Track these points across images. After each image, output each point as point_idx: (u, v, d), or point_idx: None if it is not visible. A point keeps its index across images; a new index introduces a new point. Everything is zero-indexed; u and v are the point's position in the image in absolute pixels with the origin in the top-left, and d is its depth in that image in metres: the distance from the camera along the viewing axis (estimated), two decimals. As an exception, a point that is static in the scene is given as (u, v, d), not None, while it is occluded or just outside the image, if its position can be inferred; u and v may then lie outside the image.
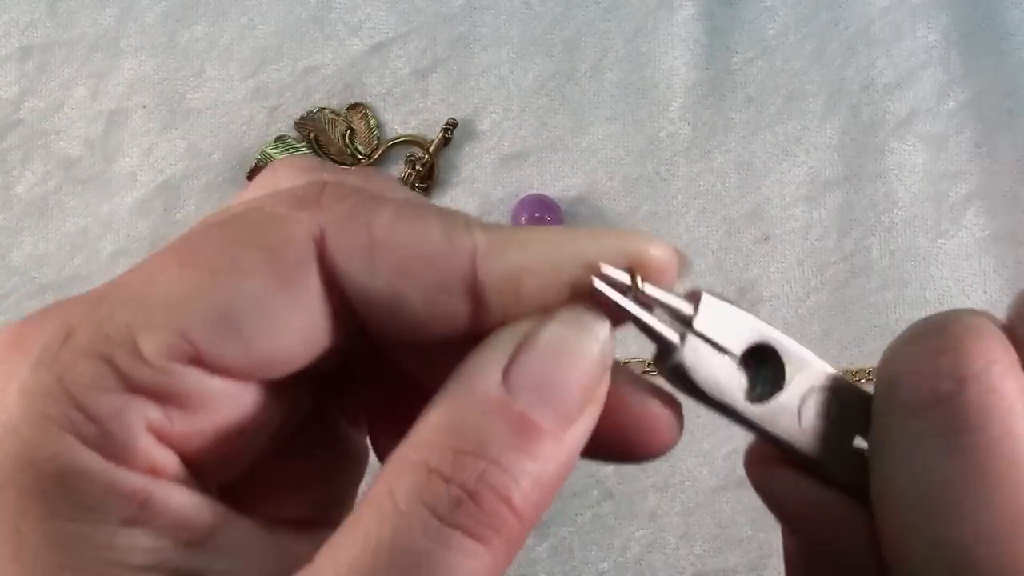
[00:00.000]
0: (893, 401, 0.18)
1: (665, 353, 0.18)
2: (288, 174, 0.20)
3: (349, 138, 0.47)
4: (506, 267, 0.17)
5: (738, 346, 0.19)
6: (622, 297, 0.18)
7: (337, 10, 0.48)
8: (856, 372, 0.45)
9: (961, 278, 0.45)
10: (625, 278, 0.18)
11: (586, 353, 0.17)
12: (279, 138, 0.47)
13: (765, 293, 0.46)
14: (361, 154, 0.47)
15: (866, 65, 0.47)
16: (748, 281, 0.46)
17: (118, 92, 0.47)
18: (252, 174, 0.47)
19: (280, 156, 0.47)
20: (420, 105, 0.47)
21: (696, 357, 0.18)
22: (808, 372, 0.19)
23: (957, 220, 0.46)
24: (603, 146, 0.47)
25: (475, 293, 0.17)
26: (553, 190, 0.46)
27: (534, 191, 0.46)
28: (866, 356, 0.45)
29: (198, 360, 0.16)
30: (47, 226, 0.47)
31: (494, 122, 0.47)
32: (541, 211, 0.45)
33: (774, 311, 0.45)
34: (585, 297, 0.18)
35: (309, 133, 0.47)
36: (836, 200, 0.46)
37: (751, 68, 0.47)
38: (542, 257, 0.18)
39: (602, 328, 0.18)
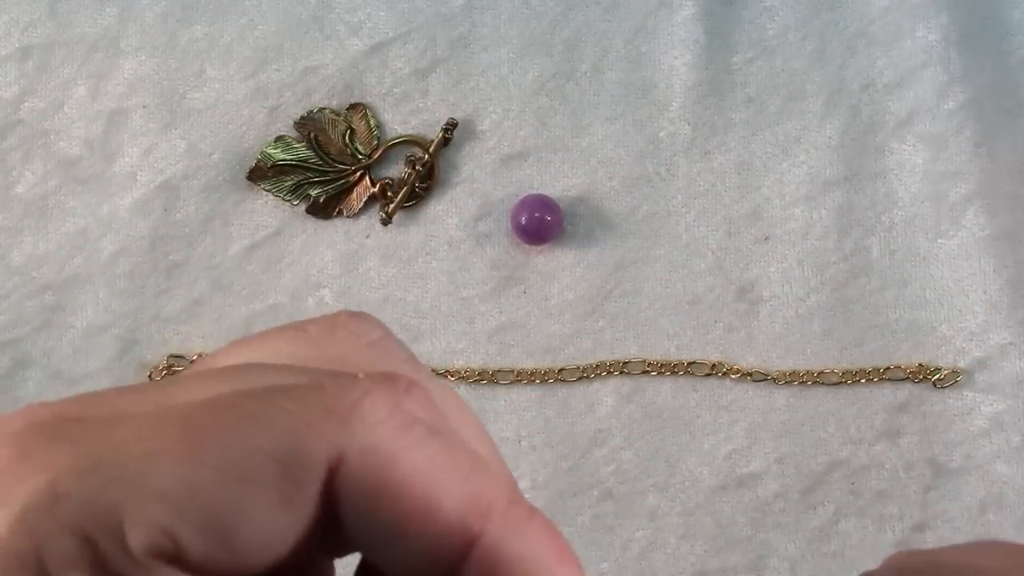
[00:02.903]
0: None
1: None
2: (347, 341, 0.19)
3: (349, 138, 0.47)
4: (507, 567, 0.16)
5: None
6: None
7: (337, 10, 0.48)
8: (856, 372, 0.45)
9: (961, 278, 0.45)
10: None
11: None
12: (279, 138, 0.47)
13: (765, 293, 0.46)
14: (361, 154, 0.47)
15: (866, 65, 0.47)
16: (748, 281, 0.46)
17: (118, 92, 0.47)
18: (252, 174, 0.47)
19: (280, 156, 0.47)
20: (420, 105, 0.47)
21: None
22: None
23: (957, 220, 0.46)
24: (603, 146, 0.47)
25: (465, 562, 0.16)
26: (553, 190, 0.46)
27: (534, 191, 0.46)
28: (866, 356, 0.45)
29: (180, 560, 0.15)
30: (47, 226, 0.47)
31: (494, 122, 0.47)
32: (541, 211, 0.45)
33: (774, 311, 0.45)
34: None
35: (309, 133, 0.47)
36: (836, 200, 0.46)
37: (751, 68, 0.47)
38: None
39: None
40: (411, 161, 0.47)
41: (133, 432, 0.16)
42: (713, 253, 0.46)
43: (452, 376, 0.46)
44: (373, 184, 0.47)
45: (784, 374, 0.45)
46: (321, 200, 0.47)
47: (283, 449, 0.16)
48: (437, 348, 0.46)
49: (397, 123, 0.47)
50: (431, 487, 0.16)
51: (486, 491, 0.17)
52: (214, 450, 0.16)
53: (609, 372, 0.45)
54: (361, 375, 0.17)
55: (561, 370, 0.46)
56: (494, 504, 0.16)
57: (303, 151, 0.47)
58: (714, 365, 0.45)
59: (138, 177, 0.47)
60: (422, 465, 0.16)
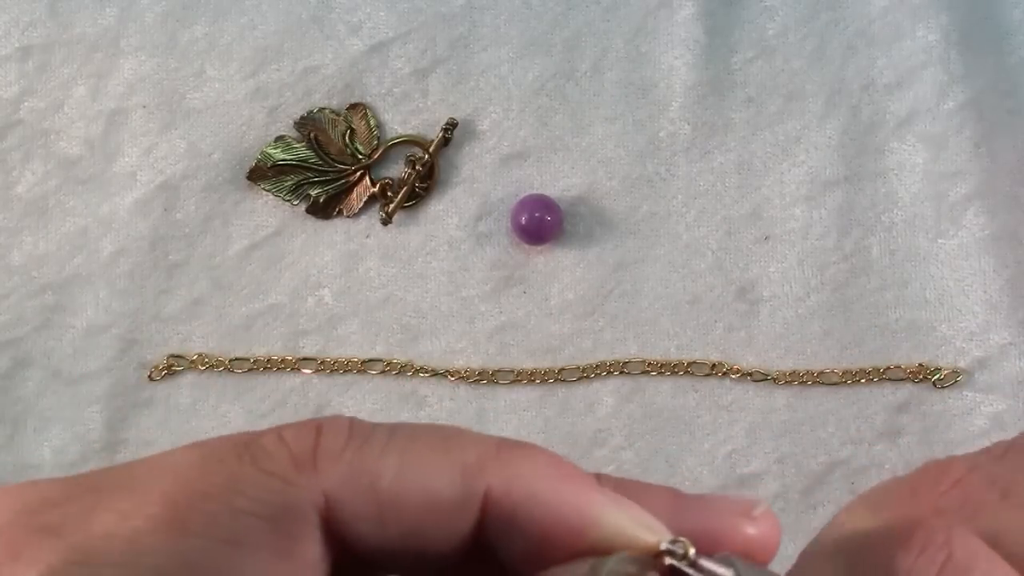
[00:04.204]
0: None
1: None
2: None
3: (349, 138, 0.47)
4: (523, 535, 0.17)
5: None
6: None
7: (337, 10, 0.48)
8: (856, 372, 0.45)
9: (961, 278, 0.45)
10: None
11: None
12: (279, 138, 0.47)
13: (765, 293, 0.46)
14: (361, 154, 0.47)
15: (866, 65, 0.47)
16: (748, 281, 0.46)
17: (118, 92, 0.47)
18: (252, 174, 0.47)
19: (280, 156, 0.47)
20: (420, 105, 0.47)
21: None
22: None
23: (957, 220, 0.46)
24: (603, 146, 0.47)
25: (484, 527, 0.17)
26: (553, 190, 0.46)
27: (534, 191, 0.46)
28: (866, 356, 0.45)
29: None
30: (47, 226, 0.47)
31: (494, 122, 0.47)
32: (541, 211, 0.45)
33: (774, 311, 0.45)
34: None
35: (309, 133, 0.47)
36: (836, 200, 0.46)
37: (751, 68, 0.47)
38: (566, 525, 0.17)
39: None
40: (411, 161, 0.47)
41: (117, 514, 0.16)
42: (713, 253, 0.46)
43: (452, 376, 0.46)
44: (373, 184, 0.47)
45: (784, 374, 0.45)
46: (321, 200, 0.47)
47: (268, 506, 0.16)
48: (437, 348, 0.46)
49: (397, 123, 0.47)
50: (421, 475, 0.17)
51: (470, 452, 0.17)
52: (199, 520, 0.16)
53: (609, 372, 0.45)
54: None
55: (561, 370, 0.45)
56: (483, 457, 0.17)
57: (303, 151, 0.47)
58: (714, 365, 0.45)
59: (138, 177, 0.47)
60: (403, 461, 0.17)
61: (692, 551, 0.17)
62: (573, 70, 0.47)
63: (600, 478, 0.19)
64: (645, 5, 0.48)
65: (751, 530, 0.18)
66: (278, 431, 0.17)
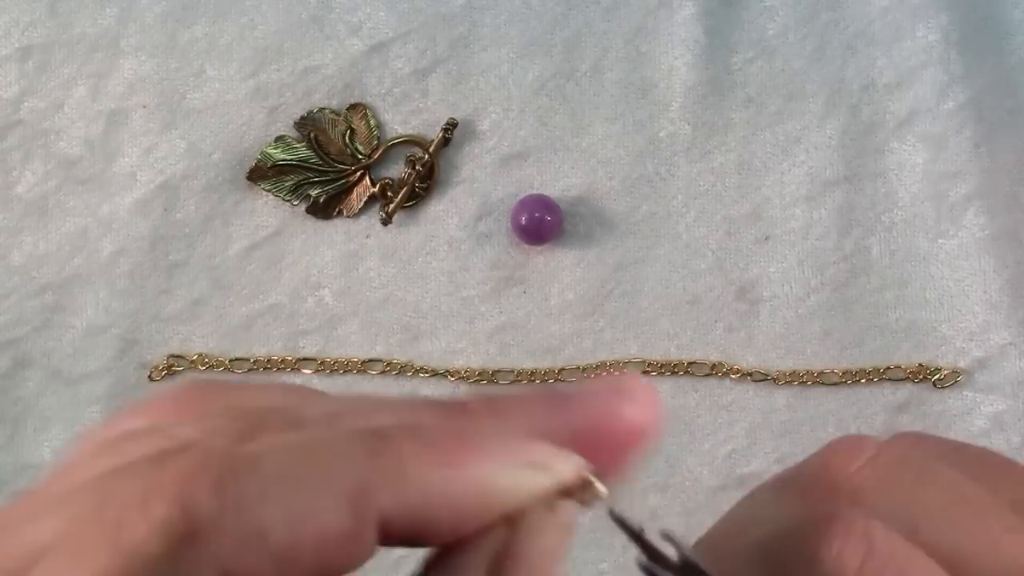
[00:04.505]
0: None
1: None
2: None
3: (349, 138, 0.47)
4: (432, 534, 0.16)
5: None
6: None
7: (337, 10, 0.48)
8: (856, 372, 0.45)
9: (961, 278, 0.45)
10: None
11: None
12: (279, 138, 0.47)
13: (765, 293, 0.46)
14: (361, 154, 0.47)
15: (866, 65, 0.47)
16: (748, 281, 0.46)
17: (118, 92, 0.47)
18: (252, 174, 0.47)
19: (280, 156, 0.47)
20: (420, 105, 0.47)
21: None
22: None
23: (957, 220, 0.46)
24: (603, 146, 0.47)
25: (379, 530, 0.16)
26: (553, 190, 0.46)
27: (534, 191, 0.46)
28: (866, 356, 0.45)
29: None
30: (47, 226, 0.47)
31: (494, 122, 0.47)
32: (541, 211, 0.45)
33: (774, 311, 0.45)
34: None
35: (309, 133, 0.47)
36: (836, 200, 0.46)
37: (751, 68, 0.47)
38: (468, 511, 0.17)
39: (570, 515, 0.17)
40: (411, 161, 0.47)
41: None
42: (713, 253, 0.46)
43: (452, 376, 0.46)
44: (373, 184, 0.47)
45: (784, 374, 0.45)
46: (321, 200, 0.47)
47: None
48: (437, 348, 0.46)
49: (397, 123, 0.47)
50: (312, 522, 0.16)
51: (346, 475, 0.16)
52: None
53: (609, 372, 0.45)
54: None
55: (561, 370, 0.45)
56: (361, 477, 0.16)
57: (303, 151, 0.47)
58: (714, 365, 0.45)
59: (138, 177, 0.47)
60: (287, 514, 0.16)
61: (592, 479, 0.17)
62: (573, 70, 0.47)
63: (467, 407, 0.18)
64: (645, 5, 0.48)
65: (629, 410, 0.18)
66: (143, 506, 0.15)
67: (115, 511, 0.15)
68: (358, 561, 0.16)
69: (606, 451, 0.18)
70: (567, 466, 0.17)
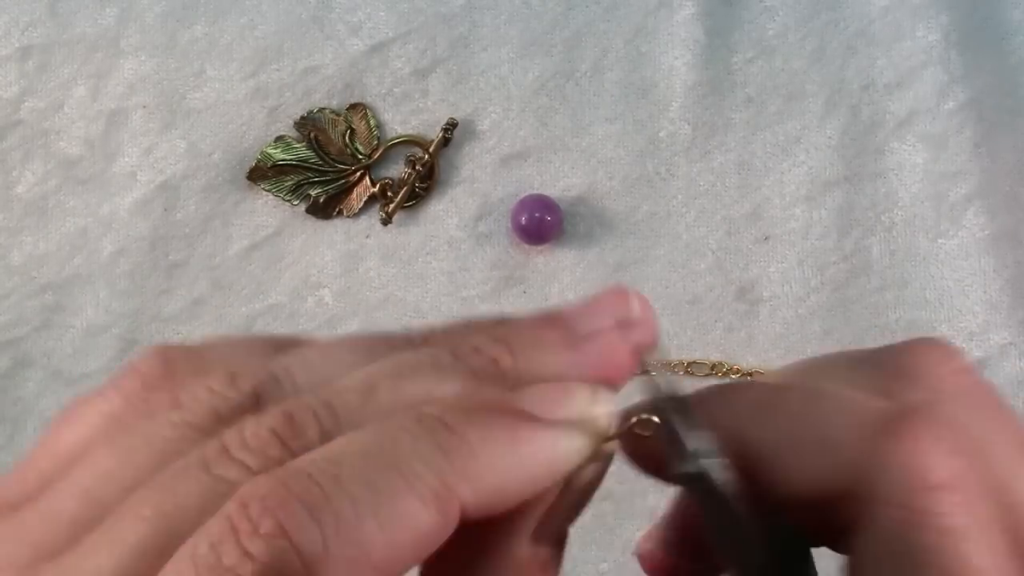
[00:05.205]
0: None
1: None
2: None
3: (349, 138, 0.47)
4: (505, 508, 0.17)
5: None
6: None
7: (337, 10, 0.48)
8: (856, 372, 0.45)
9: (961, 278, 0.45)
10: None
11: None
12: (279, 138, 0.47)
13: (765, 293, 0.46)
14: (361, 154, 0.47)
15: (866, 65, 0.47)
16: (748, 281, 0.46)
17: (118, 92, 0.47)
18: (252, 174, 0.47)
19: (280, 156, 0.47)
20: (420, 105, 0.47)
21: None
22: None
23: (957, 220, 0.46)
24: (603, 146, 0.47)
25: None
26: (553, 190, 0.46)
27: (534, 191, 0.46)
28: (866, 356, 0.45)
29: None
30: (47, 226, 0.47)
31: (494, 122, 0.47)
32: (541, 211, 0.45)
33: (774, 311, 0.45)
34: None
35: (309, 133, 0.47)
36: (836, 200, 0.46)
37: (751, 68, 0.47)
38: (538, 482, 0.17)
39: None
40: (411, 161, 0.47)
41: None
42: (713, 253, 0.46)
43: (452, 376, 0.46)
44: (373, 184, 0.47)
45: (784, 374, 0.45)
46: (321, 200, 0.47)
47: None
48: (437, 348, 0.46)
49: (397, 123, 0.47)
50: (407, 532, 0.16)
51: (429, 476, 0.16)
52: None
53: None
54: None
55: (561, 370, 0.45)
56: (444, 476, 0.16)
57: (303, 151, 0.47)
58: (714, 365, 0.45)
59: (138, 177, 0.47)
60: (384, 528, 0.15)
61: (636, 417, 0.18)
62: (573, 70, 0.47)
63: (500, 366, 0.18)
64: (645, 5, 0.48)
65: (639, 335, 0.19)
66: (239, 550, 0.15)
67: (205, 552, 0.14)
68: (435, 546, 0.16)
69: (617, 370, 0.19)
70: (606, 408, 0.18)
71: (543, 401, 0.17)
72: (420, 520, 0.15)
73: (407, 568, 0.16)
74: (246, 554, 0.14)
